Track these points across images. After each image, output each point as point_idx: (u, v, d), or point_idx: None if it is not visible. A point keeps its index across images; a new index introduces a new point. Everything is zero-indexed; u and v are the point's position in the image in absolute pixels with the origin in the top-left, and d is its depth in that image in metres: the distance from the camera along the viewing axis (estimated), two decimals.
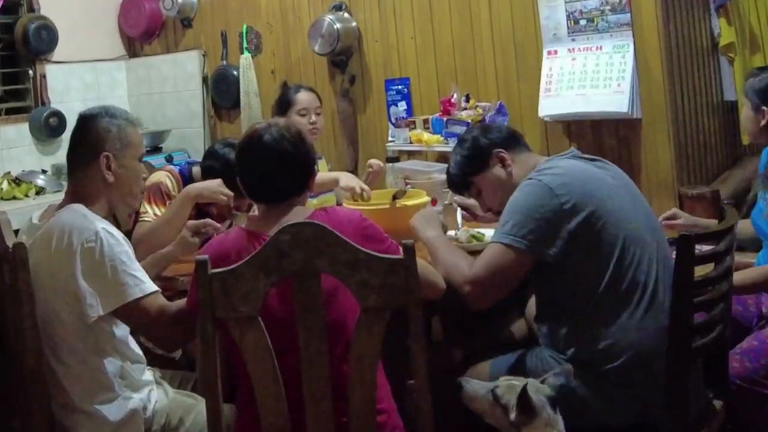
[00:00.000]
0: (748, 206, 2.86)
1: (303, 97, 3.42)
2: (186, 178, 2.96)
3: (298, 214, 1.87)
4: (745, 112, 2.68)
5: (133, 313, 1.92)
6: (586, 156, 2.19)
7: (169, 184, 2.88)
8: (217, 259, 1.73)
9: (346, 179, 3.02)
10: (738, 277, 2.39)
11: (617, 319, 1.94)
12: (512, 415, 1.76)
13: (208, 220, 2.54)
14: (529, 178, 2.07)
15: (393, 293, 1.58)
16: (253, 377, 1.60)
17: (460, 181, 2.35)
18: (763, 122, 2.59)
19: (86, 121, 2.10)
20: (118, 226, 2.29)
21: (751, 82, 2.67)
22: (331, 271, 1.59)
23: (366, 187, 2.96)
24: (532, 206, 1.99)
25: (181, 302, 1.97)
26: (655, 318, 1.95)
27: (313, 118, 3.40)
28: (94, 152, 2.05)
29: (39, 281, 1.92)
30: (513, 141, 2.28)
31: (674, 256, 1.94)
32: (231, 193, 2.69)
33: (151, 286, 1.95)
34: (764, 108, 2.59)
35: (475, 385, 1.86)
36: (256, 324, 1.59)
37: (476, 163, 2.27)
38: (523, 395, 1.74)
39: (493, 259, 1.98)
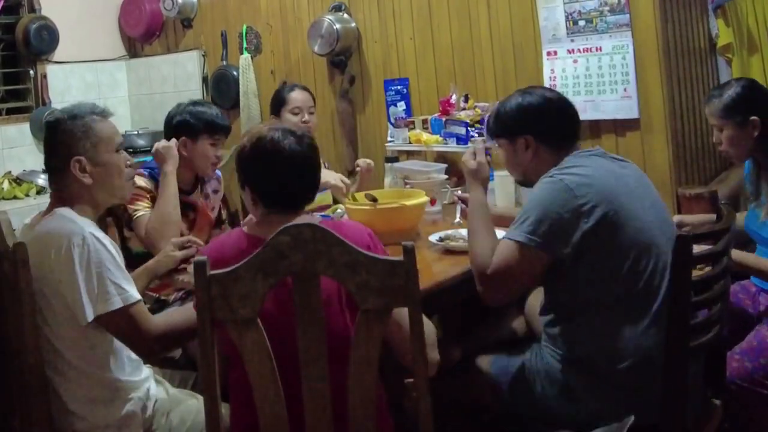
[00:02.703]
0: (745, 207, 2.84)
1: (296, 96, 3.41)
2: (157, 179, 2.90)
3: (304, 221, 1.81)
4: (729, 135, 2.56)
5: (113, 322, 1.90)
6: (611, 155, 2.17)
7: (143, 183, 2.84)
8: (217, 262, 1.68)
9: (326, 176, 3.10)
10: (741, 255, 2.39)
11: (625, 324, 1.93)
12: None
13: (192, 237, 2.58)
14: (551, 176, 2.04)
15: (393, 295, 1.57)
16: (253, 380, 1.60)
17: (489, 130, 2.38)
18: (756, 132, 2.52)
19: (50, 127, 2.07)
20: (105, 230, 2.30)
21: (720, 101, 2.56)
22: (330, 273, 1.57)
23: (345, 179, 3.17)
24: (551, 205, 1.97)
25: (163, 315, 1.99)
26: (659, 325, 1.93)
27: (306, 116, 3.39)
28: (64, 159, 2.01)
29: (35, 284, 1.91)
30: (556, 137, 2.16)
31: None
32: None
33: (133, 296, 1.92)
34: (753, 118, 2.51)
35: None
36: (255, 326, 1.58)
37: (507, 129, 2.22)
38: None
39: (506, 257, 1.97)
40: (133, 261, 2.77)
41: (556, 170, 2.05)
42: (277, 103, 3.43)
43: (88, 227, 1.93)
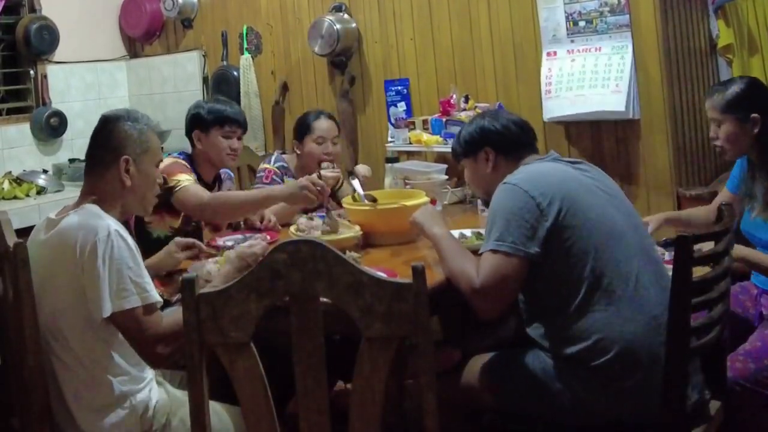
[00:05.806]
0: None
1: (321, 125, 3.36)
2: (190, 163, 3.05)
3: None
4: (728, 130, 2.56)
5: (126, 320, 1.91)
6: (565, 159, 2.24)
7: (183, 162, 2.97)
8: None
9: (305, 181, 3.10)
10: (743, 251, 2.41)
11: (602, 314, 1.96)
12: None
13: (196, 241, 2.62)
14: (504, 182, 2.11)
15: (400, 321, 1.43)
16: (244, 409, 1.50)
17: (454, 154, 2.48)
18: (756, 129, 2.52)
19: (109, 122, 2.12)
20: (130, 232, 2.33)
21: (723, 96, 2.55)
22: (330, 295, 1.45)
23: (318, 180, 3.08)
24: (509, 209, 2.03)
25: (172, 320, 1.95)
26: (640, 311, 1.97)
27: (330, 147, 3.35)
28: (114, 155, 2.07)
29: (51, 278, 1.94)
30: (512, 145, 2.30)
31: (672, 257, 1.94)
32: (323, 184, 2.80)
33: (152, 297, 1.94)
34: (754, 115, 2.52)
35: None
36: (248, 351, 1.46)
37: (468, 147, 2.36)
38: None
39: (489, 267, 2.00)
40: (151, 245, 2.80)
41: (509, 176, 2.14)
42: (302, 130, 3.39)
43: (114, 224, 1.96)
